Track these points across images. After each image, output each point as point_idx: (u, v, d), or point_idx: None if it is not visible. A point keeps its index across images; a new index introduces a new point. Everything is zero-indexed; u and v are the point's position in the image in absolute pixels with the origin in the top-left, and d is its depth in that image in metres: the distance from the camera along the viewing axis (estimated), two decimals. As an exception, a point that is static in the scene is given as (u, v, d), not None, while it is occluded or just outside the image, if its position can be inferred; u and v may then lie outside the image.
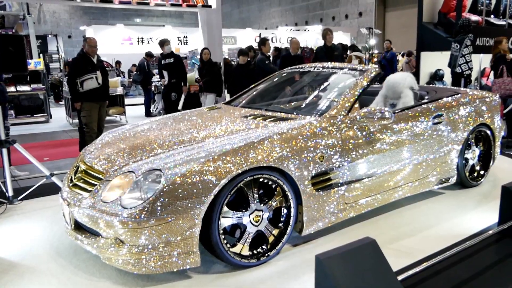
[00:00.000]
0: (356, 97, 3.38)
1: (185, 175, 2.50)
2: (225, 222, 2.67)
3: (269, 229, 2.85)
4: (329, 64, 4.14)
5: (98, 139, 3.53)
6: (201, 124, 3.36)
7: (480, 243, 3.06)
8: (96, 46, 6.27)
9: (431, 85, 5.36)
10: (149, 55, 11.43)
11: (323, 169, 3.01)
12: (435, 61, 8.17)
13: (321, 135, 3.04)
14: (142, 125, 3.62)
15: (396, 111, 3.61)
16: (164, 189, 2.44)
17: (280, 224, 2.91)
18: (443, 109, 3.90)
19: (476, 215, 3.60)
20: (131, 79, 12.87)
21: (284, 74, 4.39)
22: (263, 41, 7.60)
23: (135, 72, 12.76)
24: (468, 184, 4.26)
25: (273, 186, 2.83)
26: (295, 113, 3.42)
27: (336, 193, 3.12)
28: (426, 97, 4.21)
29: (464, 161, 4.20)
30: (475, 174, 4.38)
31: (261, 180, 2.75)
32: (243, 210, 2.72)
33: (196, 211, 2.47)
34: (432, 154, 3.80)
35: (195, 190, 2.47)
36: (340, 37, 19.59)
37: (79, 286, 2.59)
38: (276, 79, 4.33)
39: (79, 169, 3.05)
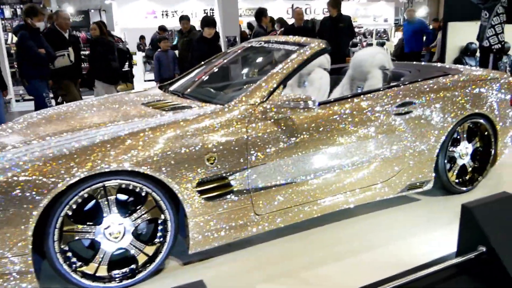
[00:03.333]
0: (279, 81, 2.64)
1: (10, 178, 1.99)
2: (71, 237, 2.14)
3: (138, 247, 2.28)
4: (276, 38, 3.38)
5: None
6: (96, 112, 2.81)
7: (429, 278, 2.29)
8: (69, 19, 5.90)
9: (424, 64, 4.34)
10: (162, 28, 10.98)
11: (218, 173, 2.36)
12: (467, 32, 6.89)
13: (215, 130, 2.38)
14: (48, 110, 3.13)
15: (338, 98, 2.82)
16: None
17: (156, 240, 2.33)
18: (415, 95, 3.02)
19: (444, 236, 2.76)
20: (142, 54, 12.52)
21: (229, 52, 3.67)
22: (262, 13, 6.80)
23: (147, 47, 12.43)
24: (454, 190, 3.36)
25: (143, 193, 2.24)
26: (205, 100, 2.75)
27: (240, 203, 2.47)
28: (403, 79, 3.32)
29: (448, 161, 3.31)
30: (467, 177, 3.46)
31: (124, 186, 2.18)
32: (95, 224, 2.17)
33: (25, 224, 1.97)
34: (393, 152, 2.97)
35: (22, 198, 1.96)
36: (383, 7, 17.90)
37: None
38: (217, 58, 3.63)
39: None
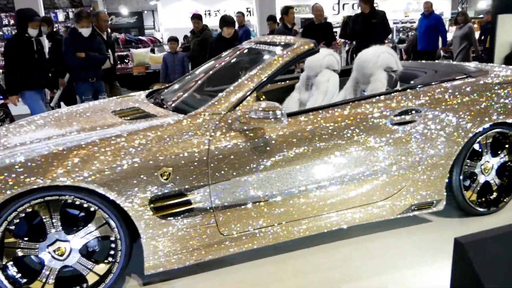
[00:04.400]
0: (251, 88, 2.36)
1: None
2: (13, 253, 2.04)
3: (86, 265, 2.13)
4: (271, 39, 3.08)
5: None
6: (73, 120, 2.70)
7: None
8: (108, 21, 5.95)
9: (446, 63, 3.78)
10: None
11: (174, 189, 2.15)
12: (520, 26, 6.10)
13: (172, 142, 2.16)
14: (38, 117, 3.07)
15: (318, 107, 2.49)
16: None
17: (109, 259, 2.17)
18: (422, 101, 2.60)
19: (443, 269, 2.33)
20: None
21: (223, 55, 3.41)
22: (286, 10, 6.47)
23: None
24: (472, 211, 2.88)
25: (92, 209, 2.09)
26: (182, 110, 2.51)
27: (202, 222, 2.24)
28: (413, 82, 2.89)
29: (468, 177, 2.84)
30: (491, 197, 2.96)
31: (70, 201, 2.04)
32: (37, 241, 2.05)
33: None
34: (392, 168, 2.58)
35: None
36: (438, 0, 16.64)
37: None
38: (211, 62, 3.39)
39: None
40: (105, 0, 18.78)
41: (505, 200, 2.95)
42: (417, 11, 16.49)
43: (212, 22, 13.90)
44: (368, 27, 6.16)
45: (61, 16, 13.99)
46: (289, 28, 6.44)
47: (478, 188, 2.90)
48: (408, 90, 2.65)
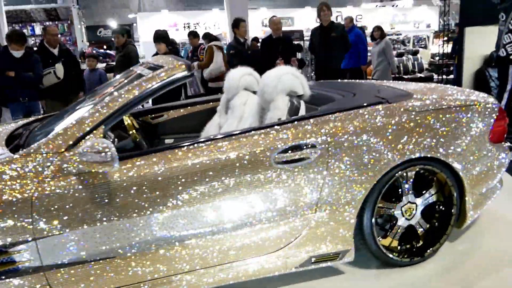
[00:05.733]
0: (96, 123, 1.93)
1: None
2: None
3: None
4: (153, 62, 2.65)
5: None
6: None
7: None
8: (57, 35, 5.63)
9: (368, 82, 3.32)
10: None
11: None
12: (488, 39, 5.68)
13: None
14: None
15: (191, 143, 2.05)
16: None
17: None
18: (322, 133, 2.16)
19: None
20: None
21: (114, 79, 2.99)
22: (237, 23, 6.09)
23: None
24: (391, 262, 2.42)
25: None
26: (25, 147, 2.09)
27: (30, 285, 1.80)
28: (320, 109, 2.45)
29: (388, 221, 2.41)
30: (416, 245, 2.50)
31: None
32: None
33: None
34: (281, 214, 2.13)
35: None
36: (425, 12, 16.35)
37: None
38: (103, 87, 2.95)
39: None
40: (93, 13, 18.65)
41: (432, 248, 2.49)
42: (404, 23, 16.22)
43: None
44: (326, 41, 5.76)
45: (37, 29, 13.74)
46: (242, 43, 6.04)
47: (399, 234, 2.45)
48: (307, 120, 2.22)
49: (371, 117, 2.27)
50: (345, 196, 2.20)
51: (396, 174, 2.29)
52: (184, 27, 14.30)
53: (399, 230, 2.44)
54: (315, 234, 2.22)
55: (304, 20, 15.06)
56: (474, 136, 2.49)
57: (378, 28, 7.22)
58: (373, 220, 2.30)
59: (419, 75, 10.77)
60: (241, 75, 3.06)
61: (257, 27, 13.93)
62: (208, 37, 6.74)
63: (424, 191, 2.46)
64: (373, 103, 2.36)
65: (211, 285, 2.08)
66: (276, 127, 2.15)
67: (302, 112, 2.44)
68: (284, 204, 2.13)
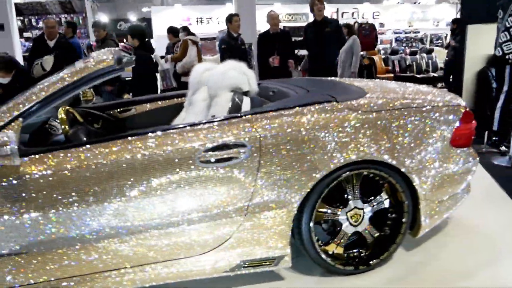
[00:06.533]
0: (12, 117, 1.88)
1: None
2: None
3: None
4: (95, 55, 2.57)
5: None
6: None
7: None
8: (53, 27, 5.70)
9: (330, 80, 3.14)
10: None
11: None
12: (492, 37, 5.37)
13: None
14: None
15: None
16: None
17: None
18: (248, 132, 2.05)
19: None
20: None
21: None
22: (230, 18, 5.97)
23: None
24: (333, 270, 2.29)
25: None
26: None
27: None
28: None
29: (332, 227, 2.29)
30: (364, 253, 2.36)
31: None
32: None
33: None
34: (208, 216, 2.04)
35: None
36: (445, 10, 15.77)
37: None
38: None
39: None
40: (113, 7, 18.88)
41: (380, 257, 2.34)
42: (423, 20, 15.72)
43: (204, 30, 13.55)
44: (320, 36, 5.59)
45: (53, 22, 13.96)
46: (234, 38, 5.93)
47: (345, 241, 2.32)
48: (240, 118, 2.10)
49: (312, 116, 2.13)
50: (279, 199, 2.08)
51: (339, 178, 2.16)
52: (197, 21, 14.28)
53: (344, 237, 2.30)
54: (247, 238, 2.11)
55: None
56: (431, 140, 2.33)
57: (347, 26, 6.91)
58: (312, 224, 2.17)
59: (432, 74, 10.38)
60: (202, 70, 2.96)
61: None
62: (186, 30, 6.69)
63: (373, 197, 2.32)
64: (318, 101, 2.23)
65: (134, 284, 2.01)
66: (206, 124, 2.05)
67: (247, 109, 2.33)
68: (212, 205, 2.03)
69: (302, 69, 6.75)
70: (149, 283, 2.03)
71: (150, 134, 1.98)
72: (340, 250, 2.32)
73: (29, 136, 2.26)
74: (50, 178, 1.84)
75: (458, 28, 6.97)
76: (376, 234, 2.36)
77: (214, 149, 1.99)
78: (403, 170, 2.21)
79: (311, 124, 2.10)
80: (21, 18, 12.88)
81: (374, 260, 2.32)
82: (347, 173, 2.16)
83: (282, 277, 2.34)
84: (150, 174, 1.93)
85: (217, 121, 2.06)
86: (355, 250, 2.37)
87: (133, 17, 22.01)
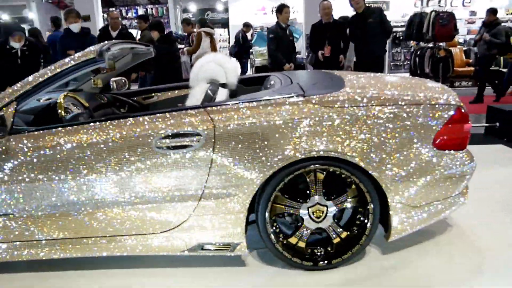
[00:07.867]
0: (9, 100, 2.22)
1: None
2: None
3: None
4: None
5: None
6: None
7: None
8: (117, 18, 6.25)
9: (319, 72, 2.95)
10: (246, 25, 10.91)
11: None
12: None
13: None
14: None
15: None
16: None
17: None
18: (206, 123, 2.14)
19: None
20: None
21: None
22: (280, 8, 5.97)
23: (233, 44, 12.45)
24: (291, 263, 2.31)
25: None
26: None
27: None
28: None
29: (295, 221, 2.32)
30: (328, 250, 2.34)
31: None
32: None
33: None
34: (167, 198, 2.20)
35: None
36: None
37: None
38: None
39: None
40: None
41: (342, 256, 2.30)
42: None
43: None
44: (364, 28, 5.36)
45: (140, 11, 15.19)
46: (283, 28, 5.94)
47: (307, 236, 2.32)
48: (204, 109, 2.21)
49: (273, 109, 2.16)
50: (233, 188, 2.17)
51: (295, 172, 2.17)
52: (272, 11, 14.37)
53: (305, 232, 2.31)
54: (204, 222, 2.24)
55: (402, 5, 13.85)
56: (406, 140, 2.20)
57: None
58: (267, 215, 2.22)
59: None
60: (200, 64, 3.04)
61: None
62: (201, 22, 6.84)
63: (337, 195, 2.27)
64: (284, 95, 2.25)
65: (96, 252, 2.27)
66: (168, 113, 2.20)
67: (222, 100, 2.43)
68: (168, 189, 2.19)
69: (309, 63, 6.55)
70: (118, 252, 2.27)
71: (121, 120, 2.19)
72: (302, 244, 2.33)
73: (33, 117, 2.63)
74: (31, 156, 2.16)
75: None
76: (344, 234, 2.32)
77: (170, 136, 2.14)
78: (363, 166, 2.13)
79: (269, 118, 2.13)
80: (114, 9, 14.30)
81: (337, 259, 2.29)
82: (304, 169, 2.16)
83: (245, 263, 2.42)
84: (111, 155, 2.15)
85: (177, 110, 2.20)
86: (321, 247, 2.36)
87: (220, 6, 22.76)
